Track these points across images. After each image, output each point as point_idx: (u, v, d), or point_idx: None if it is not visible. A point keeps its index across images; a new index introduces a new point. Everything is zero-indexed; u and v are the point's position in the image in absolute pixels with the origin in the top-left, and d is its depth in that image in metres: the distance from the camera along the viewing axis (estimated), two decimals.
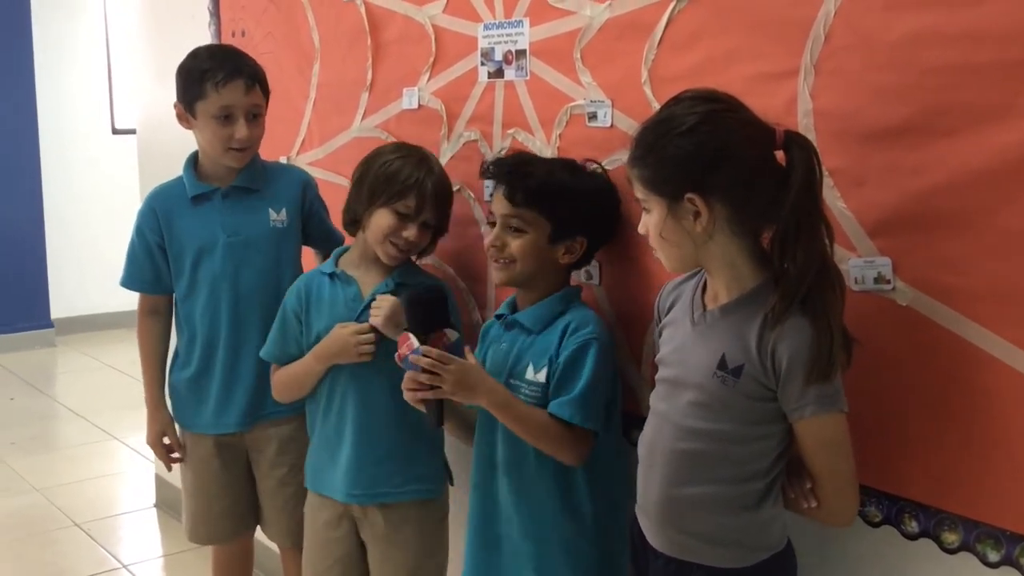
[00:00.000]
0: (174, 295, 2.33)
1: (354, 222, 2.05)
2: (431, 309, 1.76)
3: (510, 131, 2.03)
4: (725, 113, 1.37)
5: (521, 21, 1.97)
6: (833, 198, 1.47)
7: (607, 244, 1.83)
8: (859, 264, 1.46)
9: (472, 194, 2.14)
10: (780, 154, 1.37)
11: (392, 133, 2.32)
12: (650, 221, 1.42)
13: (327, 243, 2.30)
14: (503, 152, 2.03)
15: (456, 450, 2.08)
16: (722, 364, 1.39)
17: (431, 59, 2.19)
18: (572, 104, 1.89)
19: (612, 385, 1.76)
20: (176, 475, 2.50)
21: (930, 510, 1.43)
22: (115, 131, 6.71)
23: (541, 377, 1.74)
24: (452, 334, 1.75)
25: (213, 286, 2.26)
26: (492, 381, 1.72)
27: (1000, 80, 1.29)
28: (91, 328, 6.32)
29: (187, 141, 2.33)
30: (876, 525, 1.50)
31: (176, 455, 2.40)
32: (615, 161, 1.80)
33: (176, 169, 2.33)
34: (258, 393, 2.23)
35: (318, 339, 2.04)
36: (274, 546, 2.50)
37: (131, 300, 2.43)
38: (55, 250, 6.35)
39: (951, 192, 1.35)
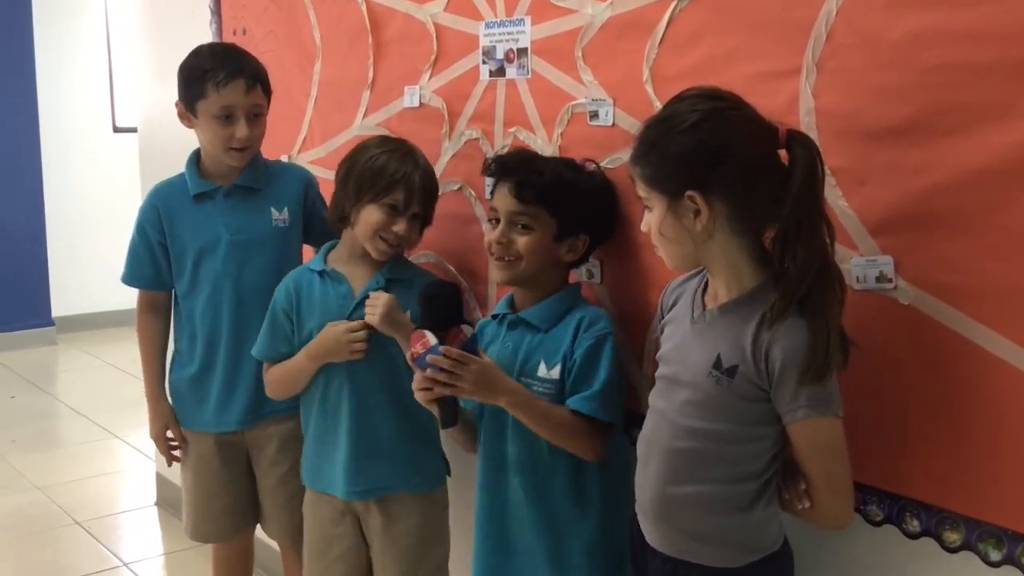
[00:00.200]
0: (174, 292, 2.33)
1: (342, 219, 2.04)
2: (447, 305, 1.73)
3: (511, 129, 2.03)
4: (728, 111, 1.36)
5: (522, 19, 1.97)
6: (835, 197, 1.47)
7: (604, 243, 1.83)
8: (861, 263, 1.46)
9: (473, 192, 2.14)
10: (782, 153, 1.37)
11: (393, 131, 2.31)
12: (651, 219, 1.42)
13: (328, 241, 2.30)
14: (504, 150, 2.02)
15: (453, 443, 2.08)
16: (717, 364, 1.39)
17: (432, 57, 2.19)
18: (574, 103, 1.89)
19: (621, 380, 1.76)
20: (177, 473, 2.50)
21: (931, 509, 1.43)
22: (116, 129, 6.72)
23: (555, 374, 1.74)
24: (468, 330, 1.72)
25: (215, 285, 2.26)
26: (511, 381, 1.71)
27: (1001, 80, 1.29)
28: (92, 326, 6.32)
29: (188, 139, 2.33)
30: (877, 524, 1.50)
31: (177, 453, 2.40)
32: (616, 160, 1.80)
33: (177, 168, 2.33)
34: (259, 391, 2.23)
35: (310, 337, 2.03)
36: (274, 544, 2.50)
37: (132, 298, 2.43)
38: (56, 248, 6.35)
39: (953, 191, 1.35)
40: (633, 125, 1.69)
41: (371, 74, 2.37)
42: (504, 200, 1.77)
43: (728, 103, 1.37)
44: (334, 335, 1.98)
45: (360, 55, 2.40)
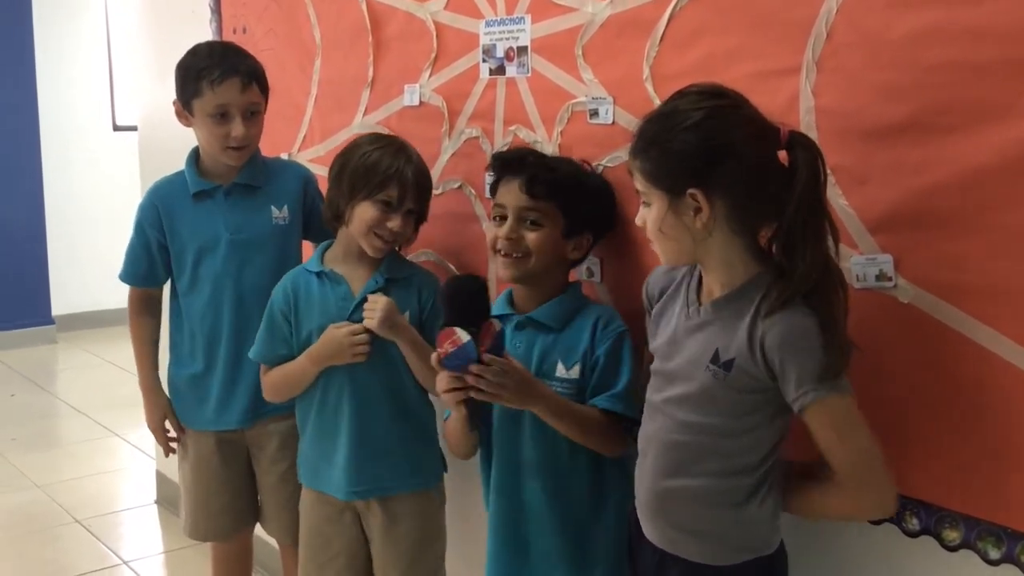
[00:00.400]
0: (176, 289, 2.33)
1: (336, 217, 2.03)
2: (477, 299, 1.64)
3: (511, 128, 2.03)
4: (730, 109, 1.36)
5: (523, 18, 1.97)
6: (835, 195, 1.47)
7: (601, 242, 1.83)
8: (861, 261, 1.46)
9: (473, 191, 2.14)
10: (782, 153, 1.37)
11: (393, 130, 2.31)
12: (649, 214, 1.41)
13: (328, 239, 2.30)
14: (506, 148, 2.02)
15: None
16: (715, 358, 1.39)
17: (432, 56, 2.19)
18: (574, 101, 1.89)
19: (640, 376, 1.76)
20: (177, 471, 2.50)
21: (931, 508, 1.43)
22: (116, 128, 6.71)
23: (574, 374, 1.73)
24: (497, 323, 1.62)
25: (216, 284, 2.26)
26: (544, 385, 1.68)
27: (1002, 78, 1.29)
28: (92, 325, 6.32)
29: (188, 138, 2.33)
30: (877, 523, 1.50)
31: (174, 443, 2.41)
32: (616, 158, 1.80)
33: (177, 166, 2.33)
34: (260, 390, 2.23)
35: (309, 339, 2.03)
36: (274, 542, 2.50)
37: None
38: (56, 247, 6.35)
39: (953, 190, 1.35)
40: (633, 123, 1.68)
41: (371, 72, 2.37)
42: (513, 196, 1.75)
43: (730, 101, 1.37)
44: (336, 338, 1.98)
45: (360, 53, 2.40)
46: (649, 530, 1.51)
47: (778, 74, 1.53)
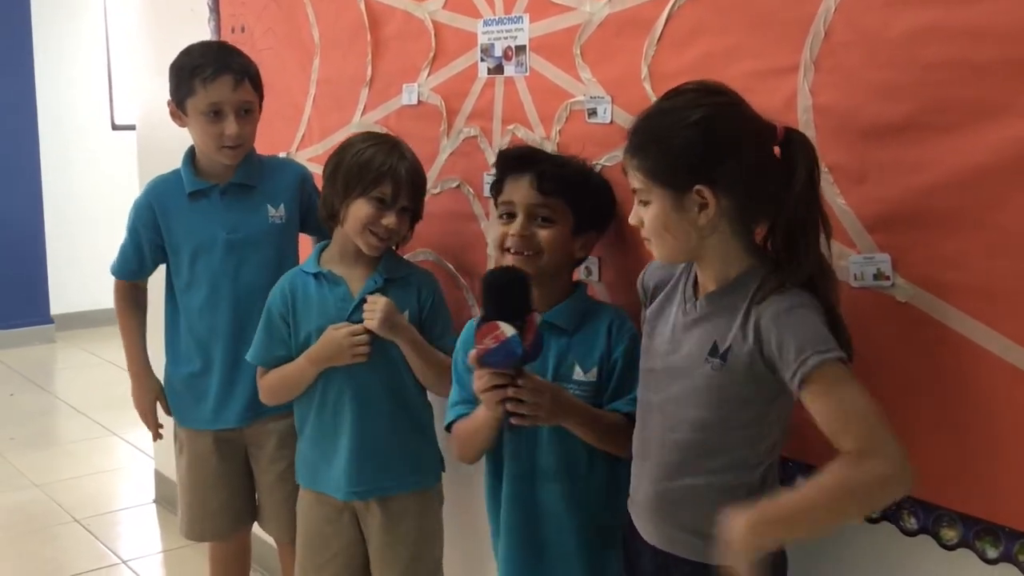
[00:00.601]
0: (174, 287, 2.33)
1: (331, 216, 2.03)
2: (520, 292, 1.54)
3: (510, 127, 2.03)
4: (730, 106, 1.37)
5: (521, 17, 1.97)
6: (833, 194, 1.47)
7: (598, 241, 1.82)
8: (859, 260, 1.46)
9: (471, 190, 2.14)
10: (776, 149, 1.37)
11: (392, 129, 2.31)
12: (647, 212, 1.40)
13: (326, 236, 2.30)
14: (506, 147, 2.02)
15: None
16: (713, 350, 1.39)
17: (431, 55, 2.19)
18: (572, 100, 1.89)
19: None
20: (175, 470, 2.50)
21: (929, 507, 1.43)
22: (115, 127, 6.70)
23: (592, 376, 1.69)
24: (539, 316, 1.54)
25: (213, 283, 2.26)
26: (572, 397, 1.64)
27: (1000, 78, 1.29)
28: (91, 324, 6.31)
29: (186, 137, 2.32)
30: (875, 522, 1.50)
31: (161, 431, 2.43)
32: (614, 158, 1.80)
33: (176, 165, 2.33)
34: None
35: (307, 340, 2.02)
36: (271, 541, 2.50)
37: None
38: (55, 246, 6.34)
39: (951, 189, 1.35)
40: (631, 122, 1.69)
41: (369, 71, 2.37)
42: (523, 192, 1.72)
43: (728, 99, 1.38)
44: (336, 339, 1.97)
45: (359, 52, 2.40)
46: (649, 532, 1.50)
47: (776, 73, 1.53)
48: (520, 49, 1.98)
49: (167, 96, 2.27)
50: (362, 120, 2.42)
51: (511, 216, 1.74)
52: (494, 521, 1.83)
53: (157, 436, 2.45)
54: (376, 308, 1.93)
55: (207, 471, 2.36)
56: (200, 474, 2.37)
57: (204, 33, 2.96)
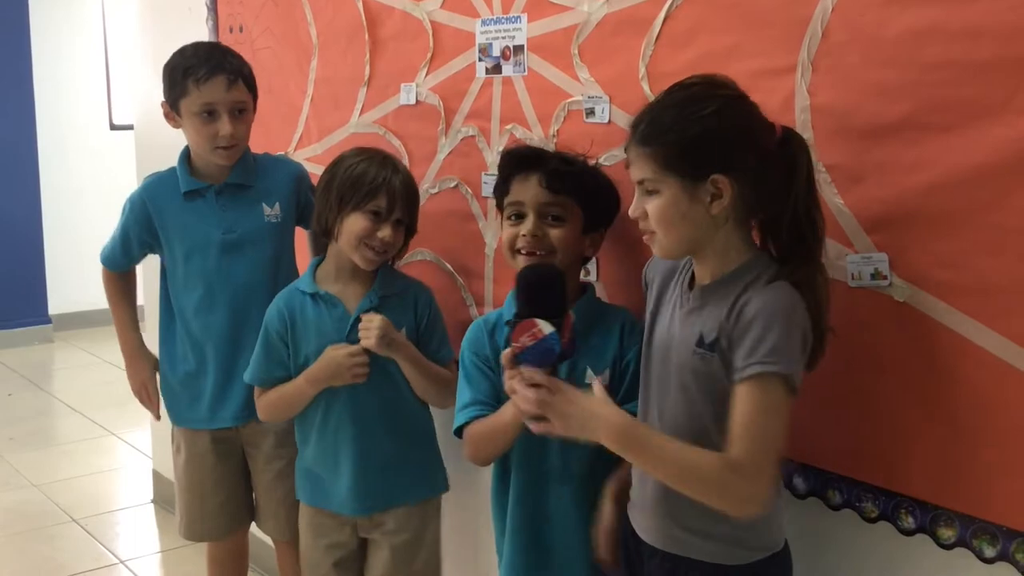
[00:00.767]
0: (169, 287, 2.33)
1: (326, 232, 2.01)
2: (557, 289, 1.48)
3: (508, 127, 2.03)
4: (740, 99, 1.38)
5: (519, 17, 1.97)
6: (831, 194, 1.47)
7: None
8: (856, 260, 1.46)
9: (469, 189, 2.14)
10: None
11: (390, 129, 2.32)
12: (655, 202, 1.38)
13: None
14: (505, 147, 2.02)
15: (450, 447, 2.08)
16: (700, 341, 1.39)
17: (429, 55, 2.19)
18: (570, 100, 1.89)
19: None
20: (172, 470, 2.50)
21: (926, 506, 1.44)
22: (113, 126, 6.70)
23: (604, 379, 1.67)
24: (572, 315, 1.47)
25: (208, 283, 2.26)
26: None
27: (997, 77, 1.29)
28: (89, 324, 6.30)
29: (184, 137, 2.32)
30: (872, 521, 1.50)
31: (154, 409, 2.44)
32: (612, 157, 1.80)
33: (174, 165, 2.32)
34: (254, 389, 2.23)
35: (306, 362, 2.01)
36: (269, 541, 2.50)
37: None
38: (53, 245, 6.34)
39: (948, 188, 1.35)
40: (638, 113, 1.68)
41: (367, 71, 2.37)
42: (532, 191, 1.70)
43: (737, 92, 1.39)
44: (335, 359, 1.96)
45: (357, 52, 2.40)
46: (654, 533, 1.50)
47: (774, 73, 1.53)
48: (518, 49, 1.98)
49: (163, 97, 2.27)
50: (360, 120, 2.41)
51: (520, 217, 1.72)
52: (499, 522, 1.82)
53: (158, 415, 2.44)
54: (372, 327, 1.92)
55: (204, 471, 2.35)
56: (198, 474, 2.37)
57: (202, 33, 2.96)
